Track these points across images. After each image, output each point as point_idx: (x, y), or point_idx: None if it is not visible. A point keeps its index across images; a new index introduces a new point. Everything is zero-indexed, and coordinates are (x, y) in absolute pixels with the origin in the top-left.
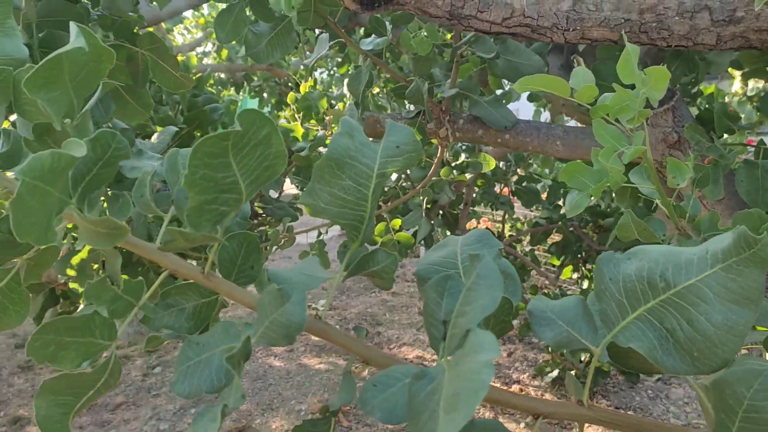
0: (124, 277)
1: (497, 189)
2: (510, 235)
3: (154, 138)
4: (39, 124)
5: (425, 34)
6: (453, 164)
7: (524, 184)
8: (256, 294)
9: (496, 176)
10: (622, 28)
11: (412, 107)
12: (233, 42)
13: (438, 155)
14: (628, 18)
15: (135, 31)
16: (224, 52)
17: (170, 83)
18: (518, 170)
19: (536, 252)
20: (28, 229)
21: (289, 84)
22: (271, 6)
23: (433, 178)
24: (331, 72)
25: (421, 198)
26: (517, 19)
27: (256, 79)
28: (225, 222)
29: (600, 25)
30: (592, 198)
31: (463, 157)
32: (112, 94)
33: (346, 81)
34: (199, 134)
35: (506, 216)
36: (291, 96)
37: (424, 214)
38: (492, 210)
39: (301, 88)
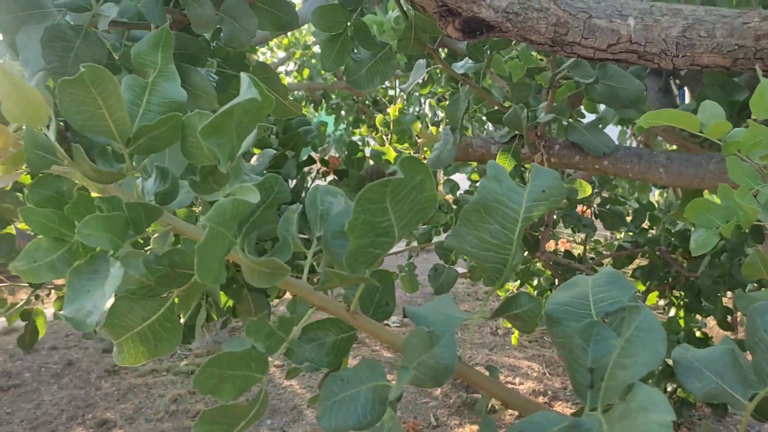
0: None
1: (579, 210)
2: (591, 258)
3: (253, 160)
4: (205, 166)
5: (519, 58)
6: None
7: (608, 206)
8: (396, 332)
9: (579, 198)
10: (735, 55)
11: (505, 131)
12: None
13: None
14: (742, 44)
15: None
16: (305, 72)
17: (280, 111)
18: (602, 192)
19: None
20: (208, 271)
21: (367, 102)
22: (373, 34)
23: None
24: (412, 92)
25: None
26: (624, 45)
27: (333, 97)
28: (376, 264)
29: (712, 51)
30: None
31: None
32: None
33: (427, 101)
34: (292, 155)
35: (587, 238)
36: (380, 118)
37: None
38: (573, 232)
39: (391, 111)
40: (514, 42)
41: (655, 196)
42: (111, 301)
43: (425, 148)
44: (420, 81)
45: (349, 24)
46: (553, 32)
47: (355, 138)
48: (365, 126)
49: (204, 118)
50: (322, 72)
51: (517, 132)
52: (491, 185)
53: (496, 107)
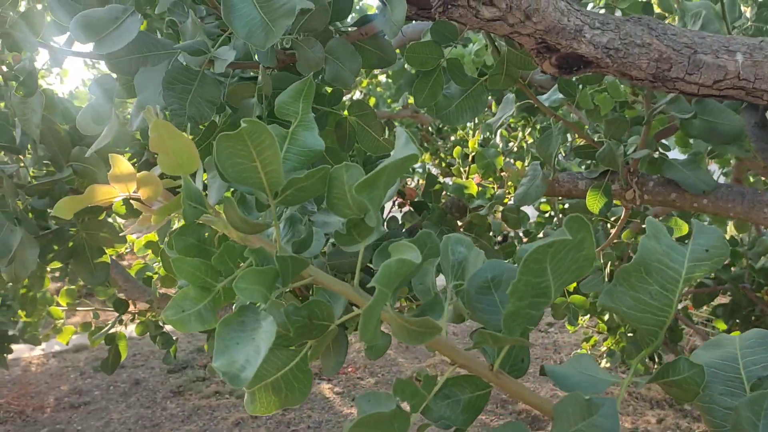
0: None
1: None
2: None
3: None
4: (352, 219)
5: (607, 91)
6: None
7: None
8: (538, 392)
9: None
10: None
11: (592, 165)
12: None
13: (622, 217)
14: None
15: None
16: (372, 100)
17: (374, 147)
18: None
19: (689, 311)
20: (370, 331)
21: (430, 130)
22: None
23: (615, 241)
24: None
25: (602, 261)
26: (731, 81)
27: (397, 124)
28: (532, 325)
29: None
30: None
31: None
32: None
33: (498, 131)
34: None
35: None
36: (457, 150)
37: (606, 278)
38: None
39: (470, 143)
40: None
41: (730, 230)
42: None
43: (510, 183)
44: (510, 116)
45: (442, 60)
46: (655, 68)
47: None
48: (428, 154)
49: (352, 171)
50: (389, 101)
51: (606, 168)
52: (651, 244)
53: (585, 142)
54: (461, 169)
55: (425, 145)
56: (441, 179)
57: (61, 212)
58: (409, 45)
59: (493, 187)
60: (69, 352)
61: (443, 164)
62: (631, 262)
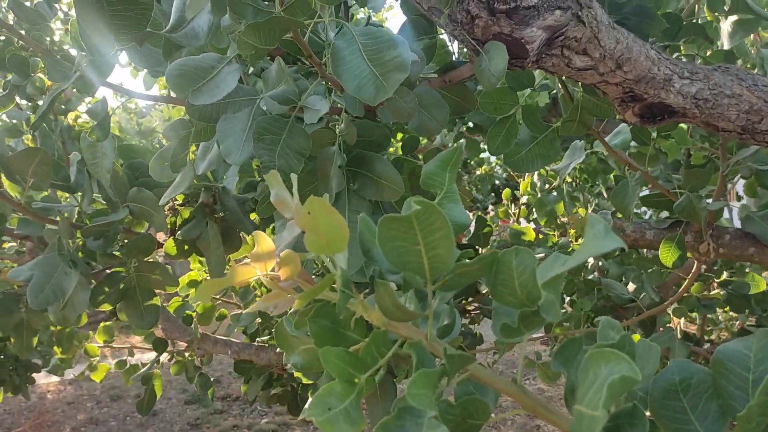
0: None
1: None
2: (710, 341)
3: None
4: (525, 311)
5: (674, 138)
6: (718, 280)
7: (731, 287)
8: None
9: (701, 278)
10: None
11: (664, 215)
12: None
13: (693, 270)
14: None
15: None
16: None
17: None
18: (724, 273)
19: None
20: None
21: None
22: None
23: (685, 294)
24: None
25: (671, 316)
26: None
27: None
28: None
29: None
30: None
31: (725, 274)
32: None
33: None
34: None
35: (705, 320)
36: (506, 192)
37: (678, 335)
38: (691, 313)
39: (522, 186)
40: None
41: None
42: None
43: (572, 231)
44: (578, 162)
45: (518, 106)
46: (745, 120)
47: None
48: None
49: (521, 257)
50: (423, 141)
51: (678, 218)
52: None
53: (657, 191)
54: (510, 211)
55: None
56: (490, 222)
57: (202, 296)
58: (484, 92)
59: (554, 235)
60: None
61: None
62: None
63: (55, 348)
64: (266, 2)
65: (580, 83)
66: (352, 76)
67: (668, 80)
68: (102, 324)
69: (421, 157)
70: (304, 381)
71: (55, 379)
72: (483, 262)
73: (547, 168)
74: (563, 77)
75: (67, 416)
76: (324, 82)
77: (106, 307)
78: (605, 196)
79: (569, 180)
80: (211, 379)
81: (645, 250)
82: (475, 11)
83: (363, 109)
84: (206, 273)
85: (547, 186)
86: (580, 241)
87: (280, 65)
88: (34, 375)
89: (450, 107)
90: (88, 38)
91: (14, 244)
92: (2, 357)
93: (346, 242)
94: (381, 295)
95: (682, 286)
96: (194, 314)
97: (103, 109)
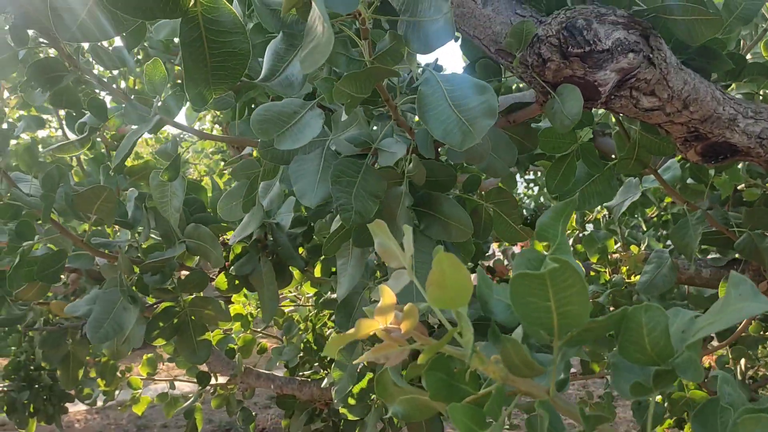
0: None
1: None
2: (751, 379)
3: None
4: (660, 371)
5: (727, 174)
6: None
7: None
8: None
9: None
10: None
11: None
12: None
13: None
14: None
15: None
16: None
17: (510, 236)
18: None
19: None
20: None
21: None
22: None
23: (743, 334)
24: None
25: (730, 357)
26: None
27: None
28: None
29: None
30: None
31: None
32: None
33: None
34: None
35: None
36: None
37: (740, 377)
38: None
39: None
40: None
41: None
42: None
43: (624, 269)
44: (633, 200)
45: (576, 145)
46: None
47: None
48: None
49: (651, 314)
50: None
51: (735, 257)
52: None
53: (714, 228)
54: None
55: None
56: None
57: (330, 351)
58: (543, 130)
59: (606, 272)
60: (112, 408)
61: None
62: None
63: (99, 380)
64: (354, 50)
65: (639, 122)
66: (438, 122)
67: (733, 120)
68: (145, 357)
69: (483, 194)
70: (350, 417)
71: (82, 407)
72: (612, 319)
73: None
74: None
75: None
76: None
77: (160, 342)
78: (643, 228)
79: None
80: (254, 414)
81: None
82: (547, 54)
83: (434, 151)
84: (251, 307)
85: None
86: (634, 278)
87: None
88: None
89: (520, 149)
90: (190, 89)
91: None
92: (37, 387)
93: (469, 296)
94: (508, 350)
95: (739, 326)
96: (236, 347)
97: (174, 149)
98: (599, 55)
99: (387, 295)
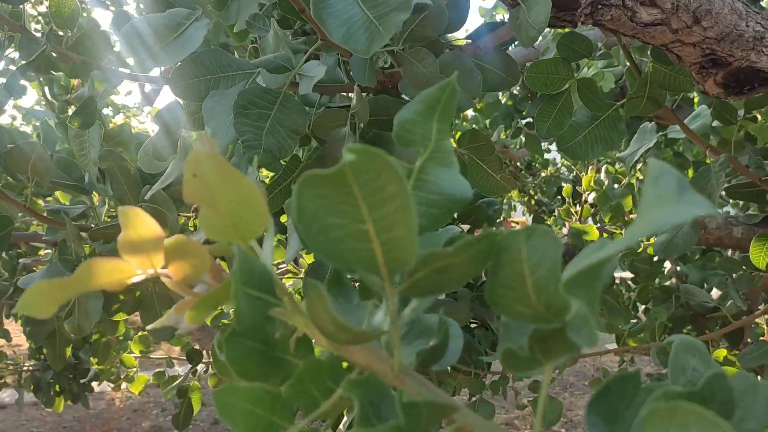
0: None
1: None
2: None
3: None
4: (539, 330)
5: (764, 118)
6: None
7: None
8: None
9: None
10: None
11: (750, 210)
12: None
13: None
14: None
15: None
16: (458, 134)
17: (488, 187)
18: None
19: None
20: None
21: (519, 165)
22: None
23: None
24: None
25: (765, 327)
26: None
27: None
28: None
29: None
30: None
31: None
32: None
33: (604, 166)
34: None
35: None
36: (567, 188)
37: None
38: None
39: (584, 181)
40: None
41: None
42: None
43: None
44: (649, 148)
45: (573, 81)
46: None
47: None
48: (516, 191)
49: (537, 241)
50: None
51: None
52: None
53: (748, 180)
54: (571, 210)
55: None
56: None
57: (30, 309)
58: (532, 63)
59: (621, 233)
60: (153, 386)
61: (532, 201)
62: None
63: (91, 359)
64: None
65: (649, 51)
66: (339, 21)
67: (760, 39)
68: (137, 335)
69: (454, 143)
70: None
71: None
72: (473, 249)
73: (614, 164)
74: (628, 47)
75: (132, 423)
76: (338, 53)
77: (121, 316)
78: None
79: (639, 176)
80: None
81: (731, 251)
82: None
83: (374, 78)
84: None
85: (615, 186)
86: (651, 240)
87: (276, 29)
88: (102, 383)
89: (488, 80)
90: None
91: (50, 251)
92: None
93: (262, 222)
94: (313, 308)
95: None
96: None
97: (90, 92)
98: None
99: (136, 220)
